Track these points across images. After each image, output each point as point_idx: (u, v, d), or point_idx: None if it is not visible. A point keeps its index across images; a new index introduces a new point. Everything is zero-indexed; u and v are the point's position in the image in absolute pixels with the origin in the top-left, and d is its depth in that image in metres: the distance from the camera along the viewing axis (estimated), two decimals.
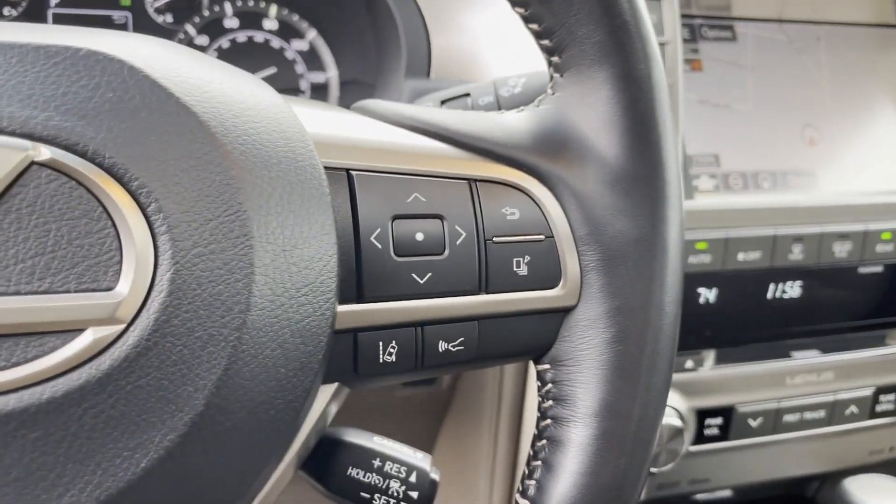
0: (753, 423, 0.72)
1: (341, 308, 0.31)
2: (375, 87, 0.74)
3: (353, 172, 0.32)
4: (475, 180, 0.34)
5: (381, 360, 0.32)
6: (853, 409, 0.76)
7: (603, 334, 0.34)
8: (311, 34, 0.80)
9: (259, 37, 0.79)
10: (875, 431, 0.79)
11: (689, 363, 0.68)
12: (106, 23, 0.76)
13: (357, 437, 0.38)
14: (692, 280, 0.65)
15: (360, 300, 0.31)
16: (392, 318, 0.32)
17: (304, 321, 0.28)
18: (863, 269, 0.70)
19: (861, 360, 0.75)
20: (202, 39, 0.78)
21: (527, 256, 0.34)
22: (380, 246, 0.32)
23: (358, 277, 0.31)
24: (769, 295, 0.68)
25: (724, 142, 0.68)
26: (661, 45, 0.61)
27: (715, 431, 0.71)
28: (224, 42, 0.78)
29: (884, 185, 0.72)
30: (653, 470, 0.67)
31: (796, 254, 0.67)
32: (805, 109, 0.71)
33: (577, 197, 0.34)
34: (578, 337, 0.35)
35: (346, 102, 0.79)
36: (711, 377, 0.69)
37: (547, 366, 0.35)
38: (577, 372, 0.34)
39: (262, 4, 0.79)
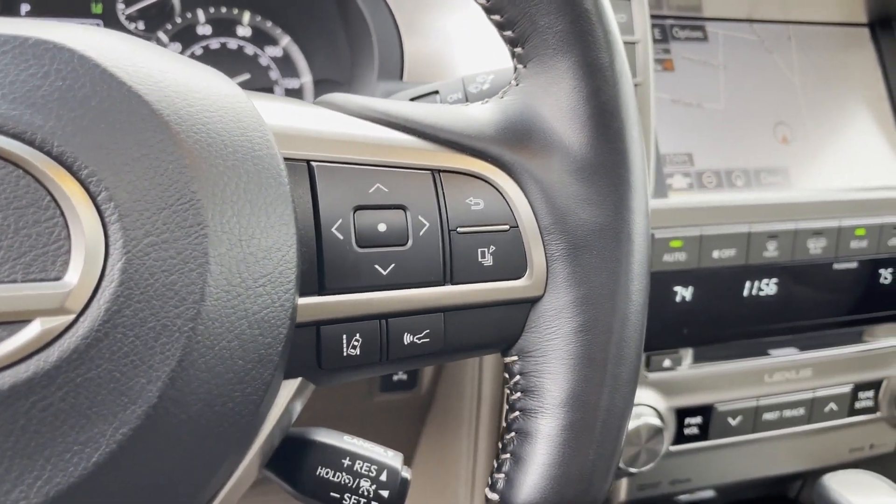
0: (733, 422, 0.72)
1: (303, 300, 0.31)
2: (350, 90, 0.74)
3: (314, 163, 0.32)
4: (439, 171, 0.34)
5: (344, 354, 0.32)
6: (832, 406, 0.76)
7: (569, 324, 0.34)
8: (285, 40, 0.80)
9: (232, 43, 0.79)
10: (855, 428, 0.79)
11: (667, 362, 0.68)
12: None
13: (327, 437, 0.38)
14: (668, 278, 0.65)
15: (321, 292, 0.31)
16: (355, 311, 0.32)
17: (262, 312, 0.28)
18: (838, 266, 0.71)
19: (839, 356, 0.75)
20: (175, 47, 0.77)
21: (492, 247, 0.34)
22: (341, 237, 0.31)
23: (319, 269, 0.31)
24: (745, 292, 0.68)
25: (697, 141, 0.68)
26: (631, 44, 0.61)
27: (695, 431, 0.71)
28: (197, 49, 0.78)
29: (856, 182, 0.73)
30: (632, 470, 0.67)
31: (771, 251, 0.67)
32: (777, 108, 0.72)
33: (542, 186, 0.34)
34: (545, 327, 0.34)
35: None
36: (690, 376, 0.69)
37: (514, 357, 0.35)
38: (545, 362, 0.34)
39: (236, 11, 0.79)
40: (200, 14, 0.78)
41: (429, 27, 0.67)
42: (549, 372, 0.34)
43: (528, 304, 0.35)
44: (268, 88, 0.79)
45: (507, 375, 0.36)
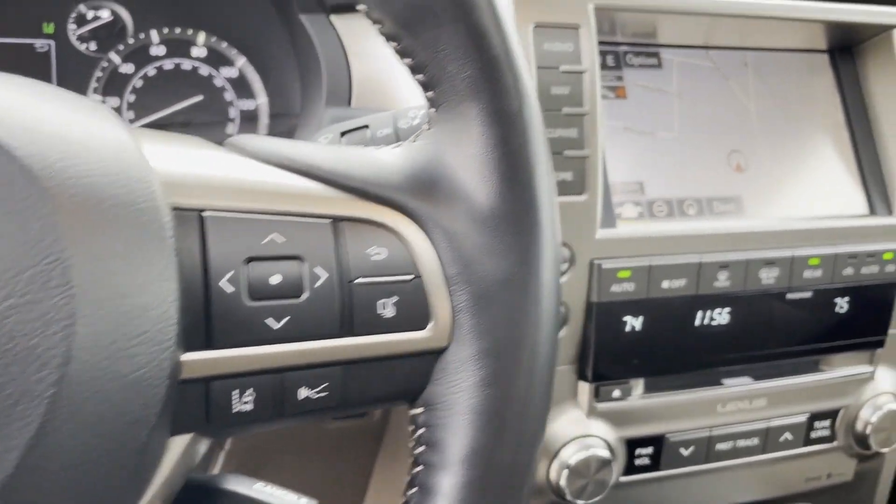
0: (685, 452, 0.71)
1: (190, 356, 0.30)
2: (300, 115, 0.73)
3: (206, 213, 0.31)
4: (340, 219, 0.33)
5: (234, 410, 0.31)
6: (787, 435, 0.75)
7: (472, 377, 0.33)
8: (241, 61, 0.79)
9: (187, 64, 0.78)
10: (811, 458, 0.78)
11: (617, 392, 0.67)
12: (28, 51, 0.75)
13: (235, 485, 0.37)
14: (617, 308, 0.64)
15: (210, 347, 0.30)
16: (247, 365, 0.31)
17: (136, 373, 0.27)
18: (791, 296, 0.70)
19: (794, 386, 0.74)
20: (127, 67, 0.76)
21: (394, 297, 0.33)
22: (232, 290, 0.30)
23: (207, 324, 0.30)
24: (697, 322, 0.68)
25: (648, 169, 0.67)
26: (579, 73, 0.61)
27: (646, 461, 0.70)
28: (150, 70, 0.77)
29: (812, 211, 0.72)
30: (580, 503, 0.66)
31: (722, 281, 0.67)
32: (732, 135, 0.71)
33: (448, 236, 0.34)
34: (449, 380, 0.34)
35: (275, 129, 0.78)
36: (640, 406, 0.69)
37: (420, 409, 0.34)
38: (448, 416, 0.33)
39: (190, 32, 0.78)
40: (154, 35, 0.77)
41: (376, 53, 0.66)
42: (451, 426, 0.33)
43: (433, 355, 0.34)
44: (223, 109, 0.78)
45: (412, 427, 0.35)
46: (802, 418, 0.75)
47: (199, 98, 0.77)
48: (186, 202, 0.31)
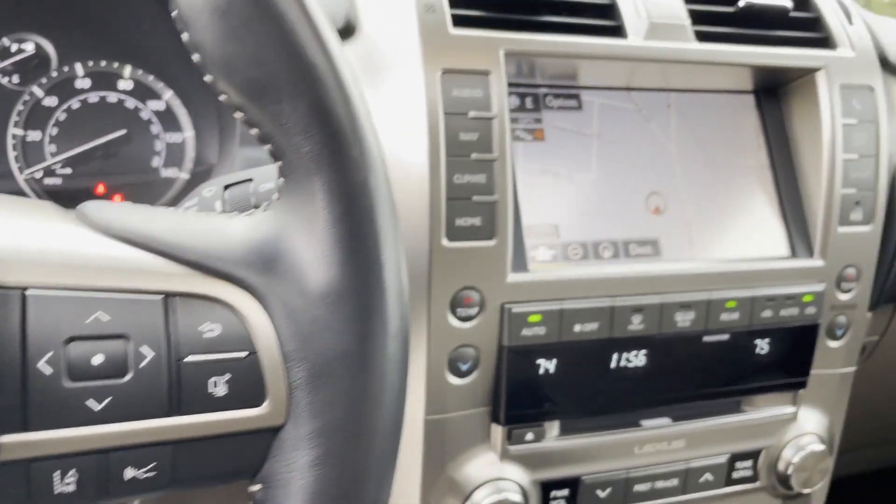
0: (602, 494, 0.71)
1: (7, 438, 0.30)
2: (218, 153, 0.73)
3: (29, 292, 0.31)
4: (172, 295, 0.33)
5: (56, 491, 0.31)
6: (708, 476, 0.75)
7: (307, 456, 0.33)
8: (168, 94, 0.79)
9: (112, 97, 0.78)
10: (734, 498, 0.78)
11: (530, 435, 0.67)
12: None
13: None
14: (529, 352, 0.64)
15: (27, 429, 0.30)
16: (67, 447, 0.30)
17: None
18: (709, 338, 0.70)
19: (714, 426, 0.74)
20: (50, 100, 0.76)
21: (227, 374, 0.33)
22: (50, 371, 0.30)
23: (24, 406, 0.30)
24: (613, 364, 0.68)
25: (564, 212, 0.67)
26: (488, 119, 0.61)
27: (561, 503, 0.70)
28: (74, 103, 0.77)
29: (731, 253, 0.72)
30: None
31: (636, 324, 0.67)
32: (651, 177, 0.71)
33: (287, 311, 0.33)
34: (285, 458, 0.33)
35: (199, 164, 0.78)
36: (555, 448, 0.68)
37: (258, 486, 0.34)
38: (284, 495, 0.33)
39: (116, 65, 0.78)
40: (79, 67, 0.77)
41: None
42: None
43: (271, 432, 0.34)
44: (149, 143, 0.78)
45: None
46: (723, 459, 0.75)
47: (122, 132, 0.77)
48: (8, 279, 0.30)
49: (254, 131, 0.35)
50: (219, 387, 0.32)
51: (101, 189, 0.76)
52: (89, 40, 0.76)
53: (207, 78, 0.34)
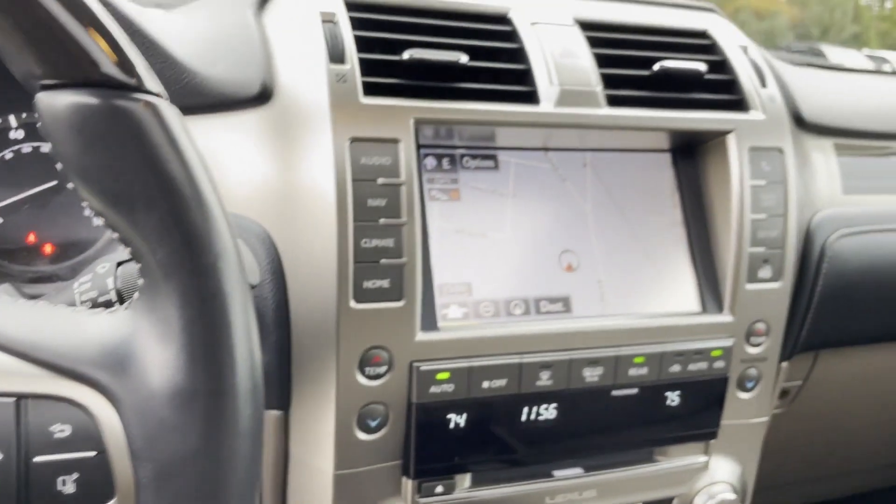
0: None
1: None
2: None
3: None
4: (24, 396, 0.34)
5: None
6: None
7: None
8: None
9: (45, 148, 0.79)
10: None
11: (440, 488, 0.69)
12: None
13: None
14: (439, 408, 0.66)
15: None
16: None
17: None
18: (618, 392, 0.73)
19: (626, 477, 0.77)
20: None
21: (75, 474, 0.34)
22: None
23: None
24: (523, 418, 0.70)
25: (477, 270, 0.70)
26: (397, 185, 0.63)
27: None
28: (7, 153, 0.78)
29: (643, 309, 0.75)
30: None
31: (545, 380, 0.69)
32: (565, 235, 0.74)
33: (137, 412, 0.35)
34: None
35: None
36: (466, 500, 0.70)
37: None
38: None
39: None
40: (12, 119, 0.79)
41: (221, 157, 0.68)
42: None
43: None
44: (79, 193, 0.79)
45: None
46: None
47: (53, 182, 0.78)
48: None
49: (113, 235, 0.37)
50: (67, 485, 0.34)
51: (31, 238, 0.77)
52: (23, 93, 0.78)
53: (69, 186, 0.36)
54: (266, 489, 0.70)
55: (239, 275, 0.36)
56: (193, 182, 0.35)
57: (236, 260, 0.37)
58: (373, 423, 0.65)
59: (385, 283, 0.63)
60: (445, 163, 0.71)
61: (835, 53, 1.18)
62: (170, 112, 0.36)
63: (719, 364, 0.76)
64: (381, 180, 0.63)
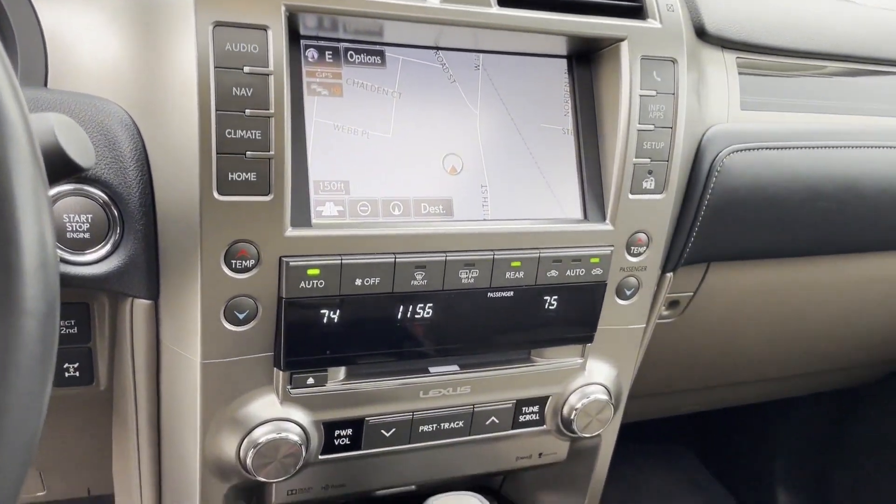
0: (387, 434, 0.76)
1: None
2: None
3: None
4: None
5: None
6: (494, 419, 0.81)
7: None
8: None
9: None
10: (521, 439, 0.85)
11: (311, 380, 0.71)
12: None
13: None
14: (309, 304, 0.67)
15: None
16: None
17: None
18: (495, 294, 0.74)
19: (501, 375, 0.79)
20: None
21: None
22: None
23: None
24: (399, 316, 0.71)
25: (356, 169, 0.69)
26: (265, 75, 0.61)
27: (345, 441, 0.75)
28: None
29: (525, 214, 0.75)
30: (261, 479, 0.70)
31: (419, 280, 0.70)
32: (450, 138, 0.73)
33: None
34: None
35: None
36: (339, 392, 0.73)
37: None
38: None
39: None
40: None
41: (75, 31, 0.65)
42: None
43: None
44: None
45: None
46: (509, 405, 0.81)
47: None
48: None
49: None
50: None
51: None
52: None
53: None
54: (140, 377, 0.72)
55: (29, 152, 0.35)
56: None
57: (26, 137, 0.35)
58: (241, 316, 0.66)
59: (251, 177, 0.62)
60: (328, 56, 0.69)
61: None
62: None
63: (597, 271, 0.78)
64: (247, 69, 0.61)
